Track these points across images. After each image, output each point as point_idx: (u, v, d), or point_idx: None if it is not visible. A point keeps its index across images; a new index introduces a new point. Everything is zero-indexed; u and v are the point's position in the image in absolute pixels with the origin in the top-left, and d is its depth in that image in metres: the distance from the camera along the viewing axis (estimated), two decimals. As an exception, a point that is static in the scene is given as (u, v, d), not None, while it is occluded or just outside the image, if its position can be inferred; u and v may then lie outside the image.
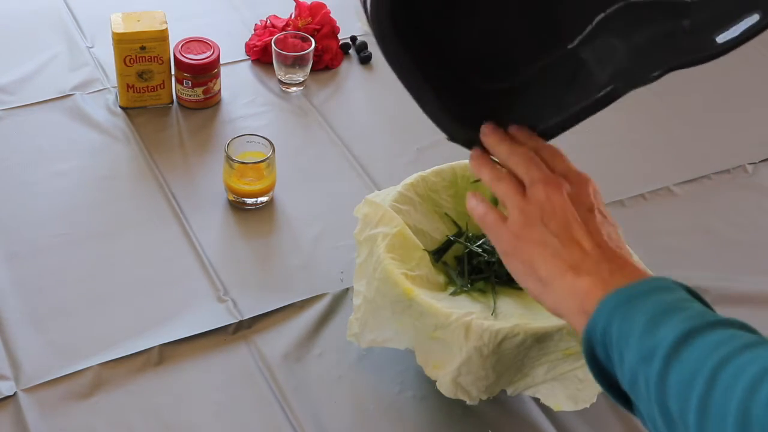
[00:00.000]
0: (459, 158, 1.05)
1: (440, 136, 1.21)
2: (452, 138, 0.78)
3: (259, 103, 1.38)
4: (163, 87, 1.33)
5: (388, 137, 1.35)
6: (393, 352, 0.99)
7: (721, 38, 0.70)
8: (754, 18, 0.68)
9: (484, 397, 0.90)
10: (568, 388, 0.89)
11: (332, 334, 1.04)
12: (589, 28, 0.77)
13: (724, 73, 1.51)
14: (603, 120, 1.48)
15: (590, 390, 0.89)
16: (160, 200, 1.20)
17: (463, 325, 0.86)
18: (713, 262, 1.18)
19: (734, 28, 0.69)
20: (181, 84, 1.32)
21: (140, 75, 1.30)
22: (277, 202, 1.21)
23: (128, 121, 1.31)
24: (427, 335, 0.89)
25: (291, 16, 1.47)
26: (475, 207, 0.77)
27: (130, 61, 1.29)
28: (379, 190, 1.13)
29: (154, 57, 1.29)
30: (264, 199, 1.20)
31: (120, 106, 1.33)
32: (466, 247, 1.00)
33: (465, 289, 0.97)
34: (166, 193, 1.20)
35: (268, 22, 1.47)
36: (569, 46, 0.78)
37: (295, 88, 1.39)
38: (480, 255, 0.99)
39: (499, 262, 0.99)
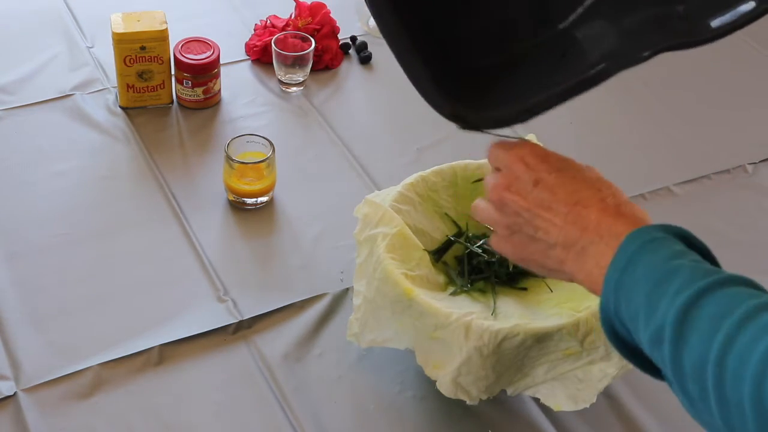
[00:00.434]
0: (459, 158, 1.05)
1: (440, 136, 1.21)
2: (440, 111, 0.78)
3: (259, 103, 1.38)
4: (163, 87, 1.33)
5: (388, 137, 1.35)
6: (393, 352, 0.99)
7: (715, 23, 0.70)
8: (750, 5, 0.68)
9: (484, 397, 0.90)
10: (568, 388, 0.89)
11: (332, 334, 1.04)
12: (581, 9, 0.77)
13: (724, 72, 1.51)
14: (603, 120, 1.48)
15: (590, 390, 0.89)
16: (160, 200, 1.20)
17: (463, 325, 0.86)
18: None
19: (730, 13, 0.69)
20: (181, 84, 1.32)
21: (140, 75, 1.30)
22: (277, 202, 1.21)
23: (128, 121, 1.31)
24: (427, 335, 0.89)
25: (291, 16, 1.47)
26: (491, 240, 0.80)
27: (130, 61, 1.29)
28: (379, 190, 1.13)
29: (154, 57, 1.29)
30: (264, 199, 1.20)
31: (120, 106, 1.33)
32: (466, 247, 1.00)
33: (465, 289, 0.97)
34: (166, 193, 1.20)
35: (268, 22, 1.47)
36: (561, 26, 0.78)
37: (295, 88, 1.39)
38: (480, 255, 0.99)
39: (499, 262, 0.99)
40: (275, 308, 1.06)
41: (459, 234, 1.02)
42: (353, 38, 1.49)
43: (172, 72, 1.32)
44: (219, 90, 1.35)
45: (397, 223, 0.95)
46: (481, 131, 0.78)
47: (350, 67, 1.46)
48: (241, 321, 1.04)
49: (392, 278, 0.90)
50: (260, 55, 1.44)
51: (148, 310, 1.05)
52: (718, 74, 1.50)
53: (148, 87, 1.31)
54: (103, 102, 1.34)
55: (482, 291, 0.98)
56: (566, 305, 0.92)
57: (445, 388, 0.89)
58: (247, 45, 1.46)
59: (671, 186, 1.30)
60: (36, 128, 1.29)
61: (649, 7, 0.73)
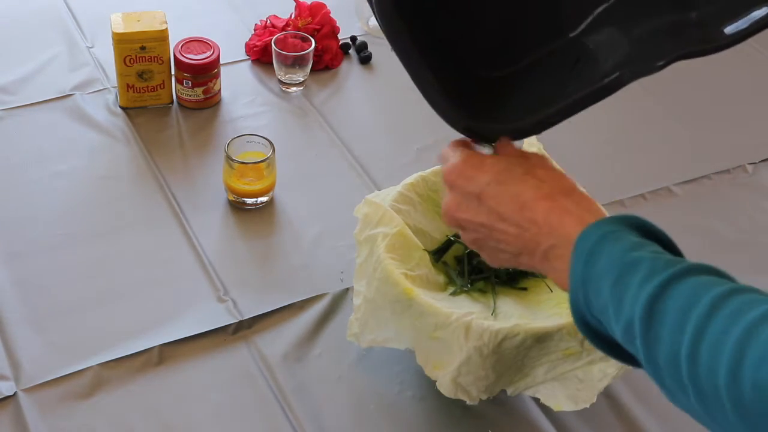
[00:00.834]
0: (459, 158, 1.05)
1: (440, 136, 1.21)
2: (453, 126, 0.78)
3: (259, 103, 1.38)
4: (163, 87, 1.33)
5: (388, 137, 1.35)
6: (393, 352, 0.99)
7: (729, 29, 0.70)
8: (764, 11, 0.68)
9: (484, 397, 0.90)
10: (568, 388, 0.89)
11: (332, 334, 1.04)
12: (591, 18, 0.77)
13: (725, 73, 1.51)
14: (603, 120, 1.48)
15: (590, 390, 0.89)
16: (160, 200, 1.19)
17: (463, 325, 0.86)
18: (713, 262, 1.17)
19: (744, 19, 0.69)
20: (181, 84, 1.32)
21: (140, 75, 1.30)
22: (277, 202, 1.21)
23: (128, 121, 1.31)
24: (427, 335, 0.89)
25: (291, 16, 1.47)
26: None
27: (130, 61, 1.29)
28: (379, 190, 1.13)
29: (154, 57, 1.29)
30: (264, 199, 1.20)
31: (120, 106, 1.33)
32: (466, 248, 1.00)
33: (465, 289, 0.97)
34: (166, 194, 1.20)
35: (268, 22, 1.47)
36: (571, 35, 0.78)
37: (295, 88, 1.39)
38: (480, 255, 0.99)
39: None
40: (275, 308, 1.06)
41: (459, 234, 1.02)
42: (353, 38, 1.49)
43: (172, 72, 1.32)
44: (219, 90, 1.35)
45: (397, 223, 0.95)
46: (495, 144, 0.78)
47: (350, 67, 1.46)
48: (241, 321, 1.04)
49: (392, 278, 0.90)
50: (260, 55, 1.44)
51: (148, 310, 1.05)
52: (718, 74, 1.50)
53: (148, 87, 1.31)
54: (103, 102, 1.34)
55: (482, 291, 0.98)
56: (566, 305, 0.92)
57: (445, 388, 0.89)
58: (247, 45, 1.46)
59: (671, 186, 1.30)
60: (36, 128, 1.29)
61: (662, 15, 0.73)
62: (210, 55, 1.31)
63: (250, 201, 1.19)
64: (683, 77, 1.48)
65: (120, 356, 1.00)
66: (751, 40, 0.70)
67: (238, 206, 1.20)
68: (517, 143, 0.79)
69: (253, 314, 1.05)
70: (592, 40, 0.77)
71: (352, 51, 1.49)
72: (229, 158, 1.16)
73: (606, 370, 0.88)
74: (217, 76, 1.33)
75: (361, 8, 1.53)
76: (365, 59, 1.47)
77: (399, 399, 0.99)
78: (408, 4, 0.73)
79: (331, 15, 1.46)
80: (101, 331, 1.03)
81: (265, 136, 1.19)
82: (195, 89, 1.32)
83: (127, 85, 1.31)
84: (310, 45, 1.37)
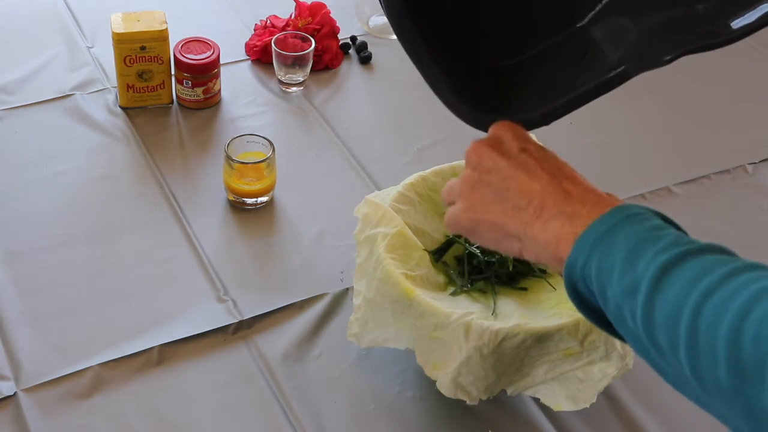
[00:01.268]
0: (459, 158, 1.05)
1: (440, 136, 1.21)
2: (464, 120, 0.79)
3: (259, 103, 1.38)
4: (163, 87, 1.33)
5: (388, 137, 1.35)
6: (393, 352, 0.99)
7: (736, 23, 0.69)
8: None
9: (484, 397, 0.90)
10: (568, 388, 0.89)
11: (332, 334, 1.04)
12: (599, 6, 0.77)
13: (725, 73, 1.51)
14: (603, 120, 1.48)
15: (590, 390, 0.89)
16: (160, 200, 1.20)
17: (463, 325, 0.86)
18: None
19: (750, 13, 0.68)
20: (181, 84, 1.32)
21: (140, 75, 1.30)
22: (277, 202, 1.21)
23: (128, 121, 1.31)
24: (427, 335, 0.89)
25: (291, 16, 1.47)
26: (445, 216, 0.79)
27: (130, 61, 1.29)
28: (379, 190, 1.13)
29: (154, 57, 1.29)
30: (264, 199, 1.20)
31: (120, 106, 1.33)
32: (466, 248, 1.00)
33: (465, 289, 0.97)
34: (166, 194, 1.20)
35: (268, 22, 1.47)
36: (579, 25, 0.78)
37: (295, 88, 1.39)
38: (480, 255, 0.99)
39: (500, 263, 0.99)
40: (275, 308, 1.06)
41: (459, 234, 1.02)
42: (353, 38, 1.49)
43: (172, 72, 1.32)
44: (219, 90, 1.35)
45: (397, 223, 0.95)
46: None
47: (350, 67, 1.46)
48: (241, 321, 1.04)
49: (392, 278, 0.90)
50: (260, 55, 1.44)
51: (148, 310, 1.05)
52: (718, 74, 1.50)
53: (148, 87, 1.31)
54: (103, 102, 1.34)
55: (482, 291, 0.98)
56: (566, 305, 0.92)
57: (445, 388, 0.89)
58: (247, 45, 1.46)
59: (671, 186, 1.30)
60: (36, 128, 1.29)
61: (669, 8, 0.73)
62: (210, 55, 1.31)
63: (250, 201, 1.19)
64: (683, 76, 1.48)
65: (120, 356, 1.00)
66: (751, 40, 0.70)
67: (238, 206, 1.20)
68: None
69: (253, 314, 1.05)
70: (599, 31, 0.77)
71: (352, 51, 1.49)
72: (229, 158, 1.16)
73: (606, 370, 0.88)
74: (217, 76, 1.33)
75: (361, 8, 1.53)
76: (365, 59, 1.47)
77: (399, 399, 0.99)
78: None
79: (331, 15, 1.46)
80: (101, 331, 1.03)
81: (265, 136, 1.19)
82: (195, 89, 1.32)
83: (127, 85, 1.31)
84: (310, 45, 1.37)
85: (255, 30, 1.48)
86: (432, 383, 0.92)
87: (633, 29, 0.74)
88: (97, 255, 1.12)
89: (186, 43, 1.32)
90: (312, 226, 1.18)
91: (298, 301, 1.08)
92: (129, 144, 1.27)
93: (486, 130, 0.79)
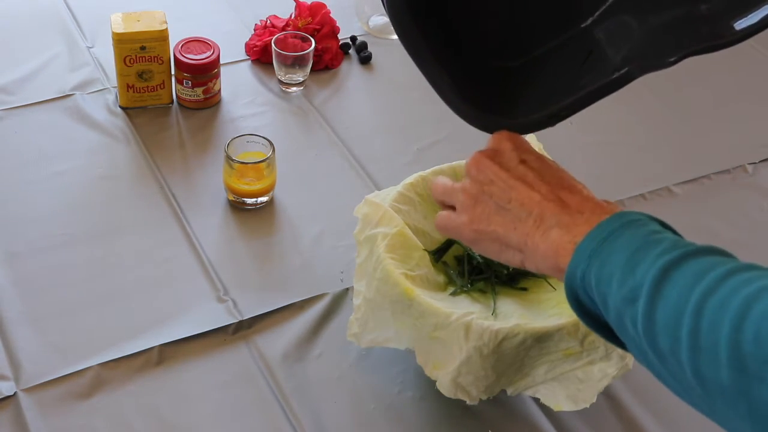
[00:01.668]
0: (459, 158, 1.05)
1: (440, 136, 1.21)
2: (470, 122, 0.79)
3: (259, 103, 1.38)
4: (163, 87, 1.33)
5: (388, 137, 1.35)
6: (393, 352, 0.99)
7: (739, 24, 0.69)
8: None
9: (484, 397, 0.90)
10: (568, 388, 0.89)
11: (332, 334, 1.04)
12: (603, 7, 0.77)
13: (725, 73, 1.51)
14: (603, 120, 1.48)
15: (590, 390, 0.89)
16: (160, 200, 1.20)
17: (463, 325, 0.86)
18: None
19: (753, 14, 0.69)
20: (181, 84, 1.32)
21: (140, 75, 1.30)
22: (277, 202, 1.21)
23: (128, 121, 1.31)
24: (427, 335, 0.89)
25: (291, 16, 1.47)
26: (436, 218, 0.80)
27: (130, 61, 1.29)
28: (379, 190, 1.13)
29: (154, 57, 1.29)
30: (264, 199, 1.20)
31: (120, 106, 1.33)
32: (466, 248, 1.00)
33: (465, 289, 0.97)
34: (166, 194, 1.20)
35: (268, 22, 1.47)
36: (583, 25, 0.78)
37: (295, 88, 1.39)
38: (479, 257, 0.99)
39: (500, 263, 0.99)
40: (275, 308, 1.06)
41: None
42: (353, 38, 1.49)
43: (172, 72, 1.33)
44: (219, 90, 1.35)
45: (397, 223, 0.95)
46: None
47: (350, 67, 1.46)
48: (241, 321, 1.04)
49: (392, 278, 0.90)
50: (260, 55, 1.44)
51: (148, 310, 1.05)
52: (718, 74, 1.50)
53: (148, 87, 1.31)
54: (103, 102, 1.34)
55: (482, 291, 0.98)
56: (566, 305, 0.92)
57: (445, 388, 0.89)
58: (247, 45, 1.46)
59: (671, 186, 1.30)
60: (36, 128, 1.29)
61: (673, 7, 0.73)
62: (210, 55, 1.31)
63: (250, 201, 1.19)
64: (683, 77, 1.48)
65: (120, 356, 1.00)
66: (751, 40, 0.70)
67: (238, 206, 1.20)
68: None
69: (253, 314, 1.05)
70: (603, 32, 0.77)
71: (352, 51, 1.49)
72: (229, 158, 1.16)
73: (606, 370, 0.88)
74: (217, 76, 1.33)
75: (361, 8, 1.53)
76: (365, 59, 1.47)
77: (399, 399, 0.99)
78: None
79: (331, 15, 1.46)
80: (101, 331, 1.03)
81: (265, 136, 1.19)
82: (195, 89, 1.32)
83: (127, 85, 1.31)
84: (310, 45, 1.37)
85: (255, 30, 1.48)
86: (432, 383, 0.92)
87: (637, 29, 0.75)
88: (97, 255, 1.12)
89: (186, 43, 1.32)
90: (312, 226, 1.18)
91: (298, 301, 1.08)
92: (129, 144, 1.27)
93: (487, 131, 0.79)
